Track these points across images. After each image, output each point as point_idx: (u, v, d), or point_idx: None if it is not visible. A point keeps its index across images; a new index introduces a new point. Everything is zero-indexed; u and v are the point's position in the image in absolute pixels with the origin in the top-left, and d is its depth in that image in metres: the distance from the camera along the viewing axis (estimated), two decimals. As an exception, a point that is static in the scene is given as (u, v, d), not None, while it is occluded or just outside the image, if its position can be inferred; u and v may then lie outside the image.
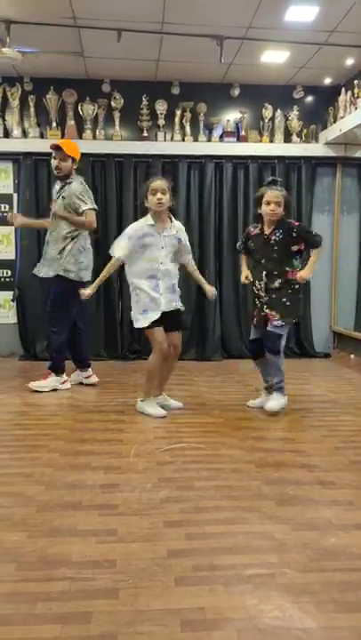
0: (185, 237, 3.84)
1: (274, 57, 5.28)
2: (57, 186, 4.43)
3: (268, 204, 3.66)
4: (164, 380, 3.94)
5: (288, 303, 3.73)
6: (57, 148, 4.28)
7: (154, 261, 3.66)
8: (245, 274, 3.97)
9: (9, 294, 5.91)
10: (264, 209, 3.69)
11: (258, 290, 3.83)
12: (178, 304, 3.80)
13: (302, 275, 3.67)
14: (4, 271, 5.96)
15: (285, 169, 6.06)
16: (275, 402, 3.78)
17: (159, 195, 3.60)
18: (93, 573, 1.79)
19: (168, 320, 3.70)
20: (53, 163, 4.32)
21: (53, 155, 4.30)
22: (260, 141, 6.01)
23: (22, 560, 1.87)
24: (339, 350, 6.21)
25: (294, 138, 6.03)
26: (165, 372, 3.90)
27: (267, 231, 3.74)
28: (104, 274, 3.78)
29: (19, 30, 4.52)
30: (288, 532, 2.09)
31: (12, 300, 5.90)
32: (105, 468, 2.74)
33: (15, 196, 5.86)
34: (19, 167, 5.81)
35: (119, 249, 3.67)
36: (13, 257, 5.89)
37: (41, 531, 2.08)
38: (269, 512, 2.25)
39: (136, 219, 5.94)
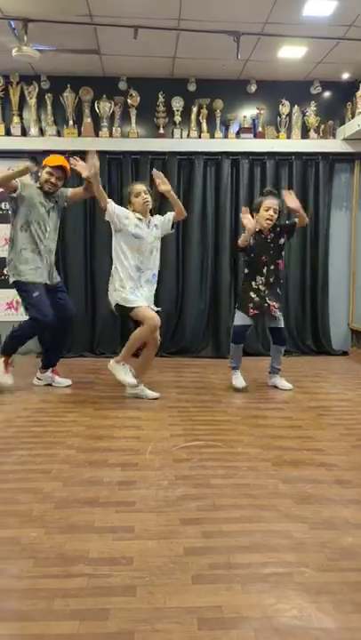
0: (160, 218, 4.12)
1: (291, 52, 5.23)
2: (38, 199, 4.20)
3: (268, 209, 4.18)
4: (143, 369, 4.12)
5: (280, 293, 4.41)
6: (63, 169, 4.23)
7: (141, 254, 3.94)
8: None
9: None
10: (263, 214, 4.20)
11: (258, 285, 4.28)
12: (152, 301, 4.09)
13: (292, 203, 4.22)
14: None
15: (303, 165, 6.02)
16: (284, 382, 4.45)
17: (143, 195, 3.95)
18: (110, 570, 1.79)
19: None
20: (50, 179, 4.17)
21: (50, 171, 4.17)
22: (278, 137, 5.97)
23: (40, 556, 1.88)
24: (357, 348, 6.15)
25: (312, 134, 5.98)
26: (146, 361, 4.10)
27: (264, 232, 4.25)
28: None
29: (36, 29, 4.53)
30: (306, 530, 2.07)
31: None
32: (122, 464, 2.75)
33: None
34: (36, 165, 5.83)
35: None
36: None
37: (59, 527, 2.09)
38: (287, 511, 2.24)
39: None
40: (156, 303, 5.78)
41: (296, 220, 4.32)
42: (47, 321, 4.14)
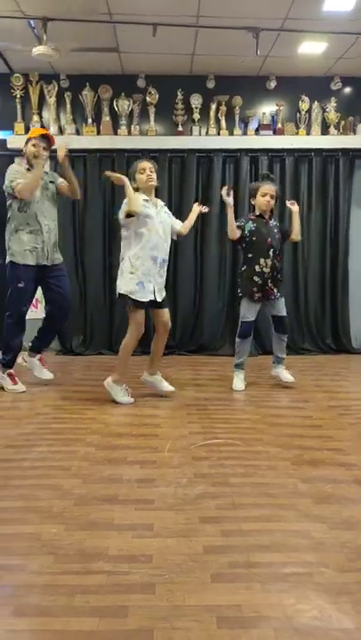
0: (169, 214, 4.01)
1: (311, 48, 5.20)
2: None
3: (265, 195, 4.17)
4: (157, 359, 4.07)
5: (280, 278, 4.35)
6: (46, 137, 4.21)
7: (155, 233, 3.79)
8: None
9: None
10: (260, 200, 4.18)
11: (262, 267, 4.21)
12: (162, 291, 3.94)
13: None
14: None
15: (323, 162, 5.97)
16: (287, 373, 4.40)
17: (148, 172, 3.79)
18: (130, 567, 1.80)
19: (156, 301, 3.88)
20: (38, 151, 4.11)
21: (35, 142, 4.14)
22: (297, 134, 5.93)
23: (60, 553, 1.89)
24: (377, 346, 6.09)
25: (332, 130, 5.92)
26: (157, 351, 4.05)
27: (265, 217, 4.26)
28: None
29: (55, 27, 4.55)
30: (326, 530, 2.06)
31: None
32: (141, 462, 2.75)
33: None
34: (55, 163, 5.86)
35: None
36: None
37: (78, 524, 2.10)
38: (306, 510, 2.23)
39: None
40: (174, 301, 5.84)
41: (291, 231, 4.35)
42: (24, 312, 4.20)
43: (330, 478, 2.56)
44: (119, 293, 3.84)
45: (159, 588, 1.69)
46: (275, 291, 4.26)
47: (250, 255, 4.27)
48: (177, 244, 5.80)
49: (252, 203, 4.28)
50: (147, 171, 3.78)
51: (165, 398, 4.01)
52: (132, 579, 1.74)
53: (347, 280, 6.08)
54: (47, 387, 4.39)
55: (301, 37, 4.97)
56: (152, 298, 3.81)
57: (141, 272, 3.76)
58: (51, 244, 4.26)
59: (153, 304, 3.87)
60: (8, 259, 4.20)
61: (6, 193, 4.15)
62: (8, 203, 4.20)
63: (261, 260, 4.20)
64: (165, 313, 3.97)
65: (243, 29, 4.68)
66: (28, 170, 4.17)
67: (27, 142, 4.21)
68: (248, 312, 4.27)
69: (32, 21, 4.62)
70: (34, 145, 4.14)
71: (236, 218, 4.30)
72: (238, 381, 4.34)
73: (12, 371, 4.31)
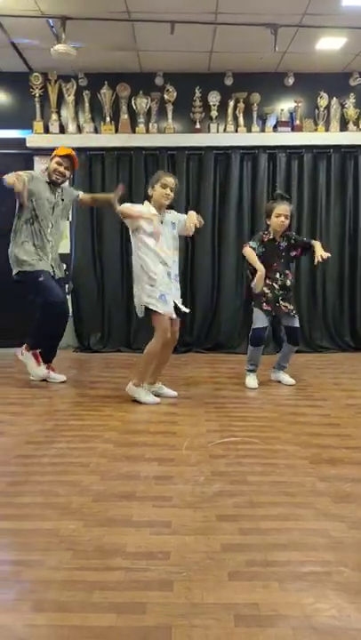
0: (178, 217, 3.95)
1: (330, 44, 5.15)
2: (45, 195, 4.23)
3: (279, 216, 4.16)
4: (160, 368, 4.03)
5: (292, 297, 4.39)
6: (71, 158, 4.26)
7: (160, 249, 3.79)
8: (262, 268, 4.13)
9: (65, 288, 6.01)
10: (275, 221, 4.18)
11: (274, 283, 4.26)
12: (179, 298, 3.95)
13: (322, 254, 4.10)
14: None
15: (341, 158, 5.92)
16: (288, 377, 4.47)
17: (168, 190, 3.78)
18: (148, 564, 1.80)
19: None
20: (59, 168, 4.20)
21: (59, 160, 4.21)
22: (315, 130, 5.88)
23: (79, 548, 1.91)
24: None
25: (351, 126, 5.87)
26: (163, 360, 4.00)
27: (277, 238, 4.26)
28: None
29: (74, 27, 4.57)
30: (344, 529, 2.04)
31: (67, 294, 6.00)
32: (158, 459, 2.76)
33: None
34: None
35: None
36: (68, 251, 5.99)
37: (97, 520, 2.11)
38: (325, 509, 2.21)
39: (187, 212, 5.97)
40: (192, 299, 5.84)
41: (314, 246, 4.22)
42: (57, 300, 4.16)
43: (348, 477, 2.54)
44: (145, 308, 3.78)
45: (177, 586, 1.69)
46: (289, 308, 4.28)
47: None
48: (193, 242, 5.82)
49: (268, 222, 4.27)
50: (167, 188, 3.78)
51: (183, 397, 4.00)
52: (150, 575, 1.74)
53: (366, 277, 6.03)
54: (66, 384, 4.42)
55: (320, 33, 4.93)
56: (173, 310, 3.81)
57: (159, 284, 3.75)
58: (53, 259, 4.31)
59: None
60: (17, 269, 4.20)
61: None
62: (17, 212, 4.24)
63: (267, 280, 4.23)
64: (176, 322, 3.93)
65: (261, 26, 4.66)
66: (48, 184, 4.22)
67: (52, 159, 4.27)
68: (259, 320, 4.28)
69: (51, 20, 4.64)
70: (58, 163, 4.20)
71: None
72: (251, 380, 4.36)
73: (37, 351, 4.32)
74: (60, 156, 4.23)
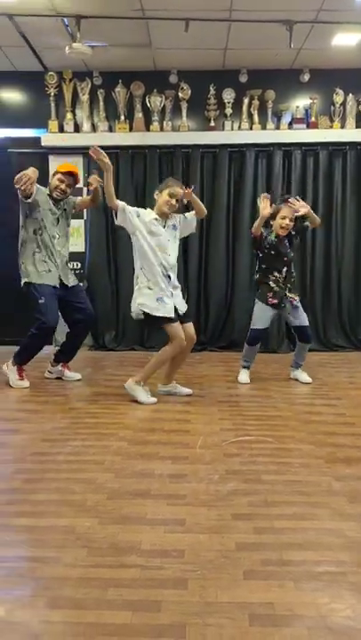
0: (179, 218, 3.95)
1: (346, 40, 5.10)
2: (47, 206, 4.22)
3: (284, 218, 4.17)
4: (175, 370, 4.03)
5: (296, 287, 4.45)
6: (73, 176, 4.26)
7: (162, 251, 3.80)
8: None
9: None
10: (280, 222, 4.19)
11: (278, 278, 4.29)
12: (182, 303, 3.94)
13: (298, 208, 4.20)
14: (75, 263, 6.05)
15: (357, 155, 5.87)
16: (305, 375, 4.44)
17: (174, 201, 3.79)
18: (162, 562, 1.81)
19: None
20: (60, 185, 4.19)
21: (62, 177, 4.20)
22: (331, 127, 5.84)
23: (94, 546, 1.92)
24: None
25: (367, 123, 5.82)
26: (179, 362, 4.00)
27: (280, 236, 4.26)
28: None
29: (88, 25, 4.58)
30: (360, 530, 2.03)
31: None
32: (172, 458, 2.76)
33: (85, 190, 5.97)
34: (88, 161, 5.91)
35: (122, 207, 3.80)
36: (83, 249, 6.02)
37: (111, 518, 2.12)
38: (340, 509, 2.20)
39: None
40: (206, 297, 5.84)
41: (308, 223, 4.35)
42: (50, 326, 4.15)
43: (364, 477, 2.53)
44: (145, 313, 3.78)
45: (191, 584, 1.69)
46: (294, 296, 4.33)
47: (264, 266, 4.35)
48: (208, 240, 5.81)
49: (271, 223, 4.27)
50: (173, 199, 3.78)
51: (197, 395, 4.00)
52: (165, 574, 1.75)
53: (381, 275, 5.98)
54: (80, 382, 4.44)
55: (336, 29, 4.89)
56: (173, 312, 3.77)
57: (158, 288, 3.76)
58: (62, 268, 4.32)
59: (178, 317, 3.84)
60: (24, 280, 4.22)
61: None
62: (21, 223, 4.24)
63: (275, 273, 4.30)
64: (190, 327, 3.91)
65: (276, 22, 4.63)
66: (50, 196, 4.22)
67: (54, 175, 4.29)
68: (260, 320, 4.31)
69: (66, 19, 4.65)
70: (60, 180, 4.20)
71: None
72: (244, 375, 4.43)
73: (22, 367, 4.33)
74: (63, 173, 4.23)
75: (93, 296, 5.96)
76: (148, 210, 3.89)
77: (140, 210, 3.87)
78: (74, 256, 6.02)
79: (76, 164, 5.91)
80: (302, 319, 4.35)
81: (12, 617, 1.55)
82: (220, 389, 4.22)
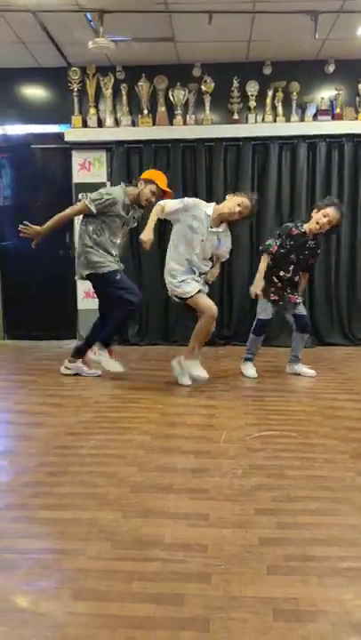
0: (226, 242, 4.05)
1: (372, 29, 5.01)
2: (122, 212, 4.23)
3: (326, 216, 4.08)
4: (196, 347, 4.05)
5: (299, 291, 4.45)
6: (165, 192, 4.22)
7: (192, 248, 3.86)
8: (261, 285, 4.23)
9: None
10: (321, 219, 4.09)
11: (281, 277, 4.29)
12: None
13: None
14: (98, 258, 6.11)
15: (383, 147, 5.77)
16: (306, 368, 4.44)
17: (238, 207, 3.84)
18: (185, 556, 1.81)
19: None
20: (152, 197, 4.18)
21: (155, 191, 4.18)
22: (356, 119, 5.75)
23: (117, 539, 1.93)
24: None
25: (393, 113, 5.72)
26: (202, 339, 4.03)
27: (309, 235, 4.19)
28: (153, 219, 3.88)
29: (111, 19, 4.58)
30: (385, 526, 2.01)
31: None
32: (195, 452, 2.76)
33: (108, 184, 5.99)
34: (111, 156, 5.93)
35: (171, 204, 3.87)
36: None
37: (134, 511, 2.13)
38: (365, 505, 2.18)
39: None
40: (230, 290, 5.83)
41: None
42: (137, 299, 4.22)
43: (390, 473, 2.49)
44: (177, 297, 3.94)
45: (215, 578, 1.69)
46: (296, 295, 4.35)
47: (271, 263, 4.29)
48: (233, 233, 5.77)
49: (311, 215, 4.21)
50: (238, 208, 3.86)
51: (221, 389, 3.99)
52: (188, 567, 1.75)
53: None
54: (103, 377, 4.46)
55: (362, 18, 4.81)
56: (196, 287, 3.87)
57: (182, 275, 3.89)
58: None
59: None
60: (89, 271, 4.23)
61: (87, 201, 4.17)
62: (83, 218, 4.28)
63: (281, 272, 4.29)
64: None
65: (301, 13, 4.57)
66: (127, 205, 4.21)
67: (148, 182, 4.21)
68: (264, 311, 4.32)
69: (89, 14, 4.66)
70: (152, 192, 4.18)
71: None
72: (250, 369, 4.43)
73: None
74: (158, 187, 4.18)
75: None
76: (205, 204, 3.91)
77: (191, 201, 3.89)
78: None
79: (99, 158, 5.97)
80: (301, 309, 4.36)
81: (38, 608, 1.57)
82: (245, 383, 4.20)
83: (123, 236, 4.42)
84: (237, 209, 3.85)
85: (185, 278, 3.89)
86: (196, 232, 3.85)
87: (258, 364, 4.56)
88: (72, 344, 5.09)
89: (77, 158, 6.00)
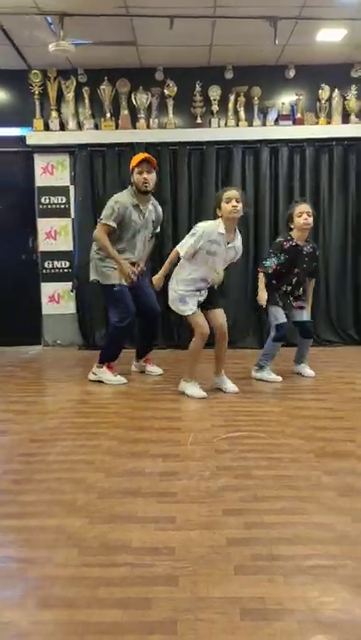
0: (240, 248, 3.98)
1: (330, 35, 5.12)
2: (135, 215, 4.23)
3: (301, 214, 4.13)
4: (220, 363, 4.07)
5: (304, 299, 4.46)
6: (148, 161, 4.19)
7: (212, 269, 3.82)
8: (265, 296, 4.20)
9: (68, 285, 6.03)
10: (298, 220, 4.14)
11: (288, 287, 4.33)
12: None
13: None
14: (63, 262, 6.07)
15: (344, 151, 5.88)
16: (308, 369, 4.55)
17: (234, 202, 3.70)
18: (153, 560, 1.81)
19: (205, 300, 3.91)
20: (142, 174, 4.15)
21: (140, 169, 4.15)
22: (317, 123, 5.85)
23: (84, 545, 1.91)
24: None
25: (353, 118, 5.83)
26: (220, 354, 4.03)
27: (299, 243, 4.21)
28: (166, 266, 3.89)
29: (72, 23, 4.56)
30: (349, 523, 2.04)
31: (72, 291, 6.01)
32: (163, 455, 2.76)
33: (72, 188, 5.96)
34: (75, 159, 5.90)
35: (186, 247, 3.76)
36: (71, 248, 6.00)
37: (102, 517, 2.12)
38: (330, 503, 2.21)
39: (190, 208, 5.91)
40: (223, 296, 5.83)
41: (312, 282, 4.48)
42: (130, 314, 4.23)
43: (354, 470, 2.54)
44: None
45: (182, 580, 1.69)
46: (301, 304, 4.41)
47: (273, 282, 4.28)
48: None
49: (291, 226, 4.23)
50: (233, 201, 3.68)
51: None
52: (156, 571, 1.75)
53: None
54: (70, 382, 4.42)
55: (320, 25, 4.90)
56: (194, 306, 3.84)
57: (186, 291, 3.84)
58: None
59: (203, 305, 3.90)
60: (95, 278, 4.34)
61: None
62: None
63: (284, 286, 4.33)
64: (218, 315, 3.93)
65: (260, 19, 4.63)
66: (135, 206, 4.21)
67: (132, 172, 4.22)
68: (280, 315, 4.25)
69: (49, 17, 4.63)
70: (139, 172, 4.16)
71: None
72: (272, 375, 4.37)
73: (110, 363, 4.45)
74: (138, 164, 4.17)
75: (83, 295, 5.96)
76: (215, 223, 3.77)
77: (202, 229, 3.74)
78: (62, 255, 6.05)
79: (62, 162, 5.93)
80: (303, 315, 4.40)
81: (2, 617, 1.55)
82: (211, 386, 4.22)
83: (144, 243, 4.38)
84: (232, 204, 3.69)
85: (187, 298, 3.82)
86: (216, 254, 3.77)
87: (226, 366, 4.58)
88: (36, 350, 5.04)
89: (40, 162, 5.94)
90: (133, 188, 4.24)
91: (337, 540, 1.93)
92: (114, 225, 4.15)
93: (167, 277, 3.99)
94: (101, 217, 4.22)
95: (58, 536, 1.98)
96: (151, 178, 4.20)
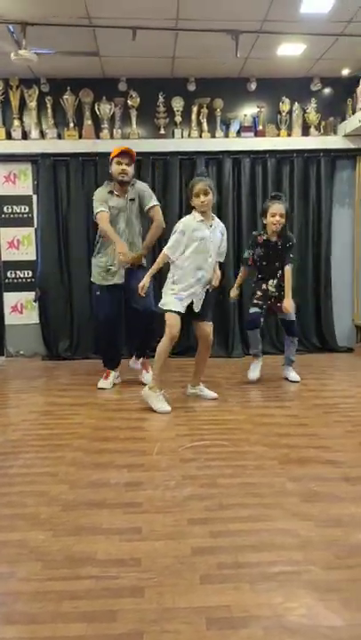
0: (223, 239, 3.99)
1: (290, 50, 5.23)
2: (113, 201, 4.33)
3: (274, 215, 4.31)
4: (199, 372, 4.13)
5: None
6: (128, 153, 4.29)
7: (205, 254, 3.79)
8: (237, 291, 4.63)
9: (31, 295, 5.96)
10: (270, 220, 4.33)
11: (268, 286, 4.50)
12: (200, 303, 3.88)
13: (286, 306, 4.35)
14: (26, 272, 6.01)
15: (304, 162, 6.01)
16: (294, 373, 4.65)
17: (202, 197, 3.75)
18: (118, 572, 1.79)
19: (197, 313, 3.87)
20: (121, 166, 4.26)
21: (119, 160, 4.26)
22: (278, 135, 5.96)
23: (48, 559, 1.88)
24: (362, 344, 6.14)
25: (313, 131, 5.97)
26: (199, 363, 4.09)
27: (273, 239, 4.40)
28: (154, 268, 3.86)
29: (34, 32, 4.54)
30: (313, 528, 2.07)
31: (35, 301, 5.95)
32: (128, 466, 2.75)
33: (35, 197, 5.91)
34: (37, 168, 5.85)
35: (173, 242, 3.78)
36: (34, 257, 5.94)
37: (66, 529, 2.09)
38: (294, 509, 2.24)
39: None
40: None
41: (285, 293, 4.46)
42: (109, 319, 4.40)
43: (317, 476, 2.57)
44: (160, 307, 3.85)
45: (148, 591, 1.68)
46: (281, 303, 4.45)
47: (260, 276, 4.55)
48: (161, 246, 5.82)
49: (264, 222, 4.42)
50: (200, 196, 3.73)
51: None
52: (121, 583, 1.73)
53: (330, 279, 6.13)
54: (34, 393, 4.36)
55: (280, 39, 5.01)
56: (184, 309, 3.77)
57: (181, 287, 3.77)
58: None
59: (194, 315, 3.87)
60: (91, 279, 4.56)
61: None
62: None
63: (270, 281, 4.49)
64: (206, 326, 3.95)
65: (222, 32, 4.70)
66: (110, 193, 4.33)
67: (111, 162, 4.32)
68: (253, 308, 4.51)
69: (11, 26, 4.60)
70: (118, 162, 4.27)
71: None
72: (253, 371, 4.61)
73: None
74: (118, 156, 4.27)
75: (46, 304, 5.90)
76: (191, 216, 3.82)
77: (182, 225, 3.78)
78: (25, 265, 5.98)
79: (25, 171, 5.88)
80: (289, 314, 4.49)
81: (-36, 636, 1.51)
82: (176, 394, 4.22)
83: (126, 222, 4.39)
84: (201, 198, 3.73)
85: (175, 297, 3.76)
86: (204, 238, 3.75)
87: (190, 374, 4.60)
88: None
89: (2, 170, 5.88)
90: (111, 183, 4.37)
91: (301, 545, 1.95)
92: (105, 209, 4.28)
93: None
94: (94, 213, 4.36)
95: (21, 550, 1.95)
96: (129, 170, 4.30)
